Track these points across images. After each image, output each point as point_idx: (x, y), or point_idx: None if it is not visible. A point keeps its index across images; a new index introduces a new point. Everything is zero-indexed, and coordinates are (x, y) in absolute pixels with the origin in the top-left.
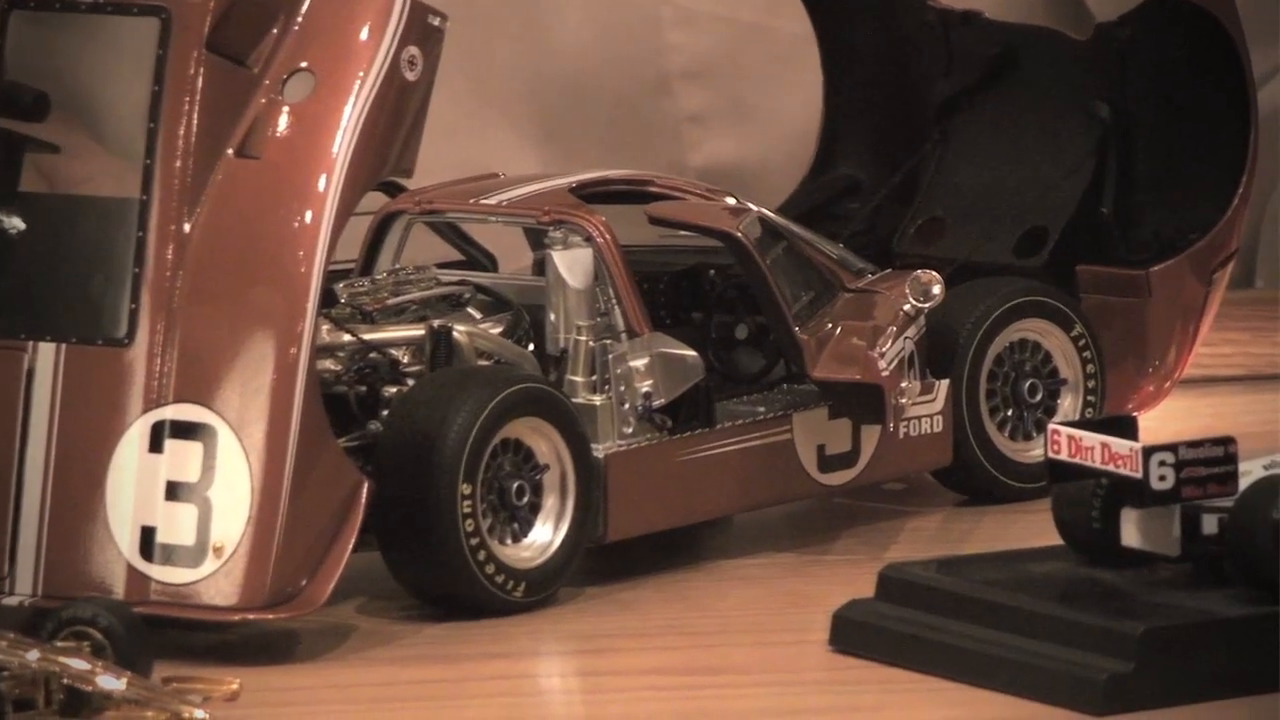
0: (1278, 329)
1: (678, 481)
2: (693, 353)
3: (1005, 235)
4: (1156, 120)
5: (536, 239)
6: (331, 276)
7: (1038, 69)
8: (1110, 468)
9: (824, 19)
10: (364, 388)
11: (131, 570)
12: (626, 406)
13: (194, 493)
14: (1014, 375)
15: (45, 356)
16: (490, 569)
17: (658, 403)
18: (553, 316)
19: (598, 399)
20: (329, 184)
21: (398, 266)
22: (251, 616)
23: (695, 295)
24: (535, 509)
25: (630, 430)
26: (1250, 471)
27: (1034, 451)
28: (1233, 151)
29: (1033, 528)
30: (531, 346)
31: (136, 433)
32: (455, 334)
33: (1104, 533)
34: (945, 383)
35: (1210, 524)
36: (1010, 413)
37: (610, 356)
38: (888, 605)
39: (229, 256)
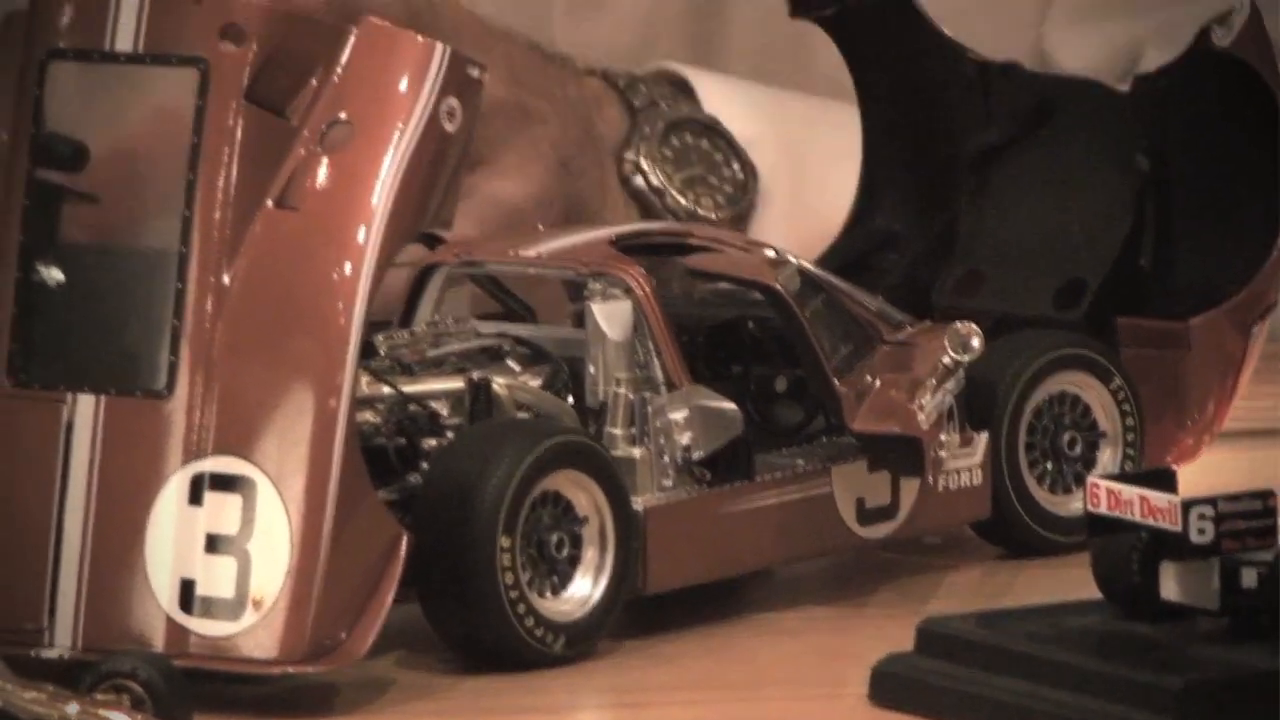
0: None
1: (717, 534)
2: (732, 405)
3: (1044, 287)
4: (1195, 171)
5: (576, 291)
6: (371, 328)
7: (1076, 120)
8: (1149, 521)
9: (862, 71)
10: (403, 440)
11: (171, 623)
12: (666, 459)
13: (233, 545)
14: (1053, 428)
15: (85, 408)
16: (530, 622)
17: (697, 455)
18: (592, 369)
19: (637, 452)
20: (368, 235)
21: (437, 318)
22: (291, 669)
23: (734, 348)
24: (574, 562)
25: (669, 483)
26: None
27: (1073, 504)
28: (1272, 203)
29: (1072, 581)
30: (571, 399)
31: (176, 485)
32: (494, 387)
33: (1143, 586)
34: (984, 435)
35: (1250, 577)
36: (1049, 466)
37: (649, 409)
38: (927, 659)
39: (268, 308)
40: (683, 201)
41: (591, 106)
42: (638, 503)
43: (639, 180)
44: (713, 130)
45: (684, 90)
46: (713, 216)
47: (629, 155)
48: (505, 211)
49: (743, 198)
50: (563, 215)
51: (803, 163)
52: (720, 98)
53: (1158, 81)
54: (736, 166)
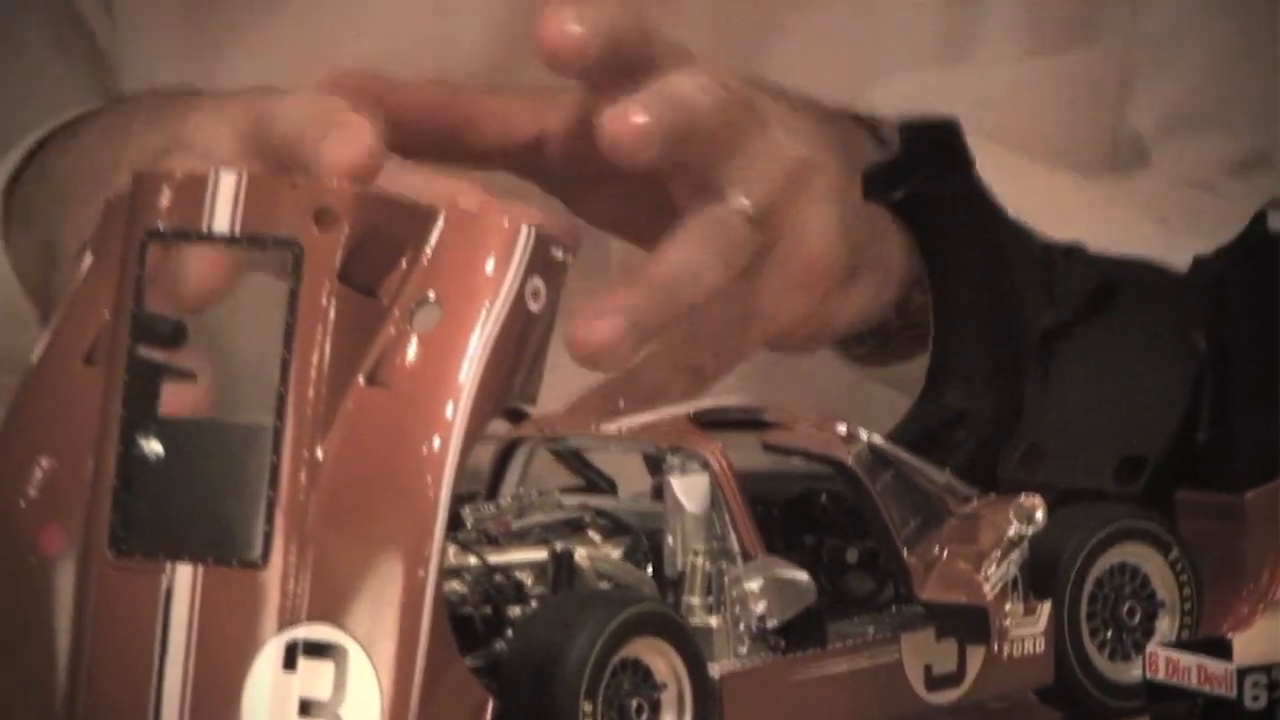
0: None
1: (791, 700)
2: (805, 575)
3: (1105, 462)
4: (1251, 351)
5: (655, 465)
6: (458, 500)
7: (1137, 301)
8: (1205, 688)
9: (931, 254)
10: (489, 608)
11: None
12: (741, 627)
13: (326, 710)
14: (1113, 598)
15: (183, 577)
16: None
17: (771, 623)
18: (670, 540)
19: (714, 620)
20: (455, 412)
21: (521, 491)
22: None
23: (807, 519)
24: None
25: (745, 650)
26: None
27: (1133, 671)
28: None
29: None
30: (650, 569)
31: (271, 651)
32: (577, 558)
33: None
34: (1047, 604)
35: None
36: (1110, 634)
37: (726, 579)
38: None
39: (360, 481)
40: None
41: (845, 146)
42: (715, 669)
43: None
44: None
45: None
46: None
47: None
48: (817, 268)
49: None
50: (859, 250)
51: None
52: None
53: (1214, 264)
54: None
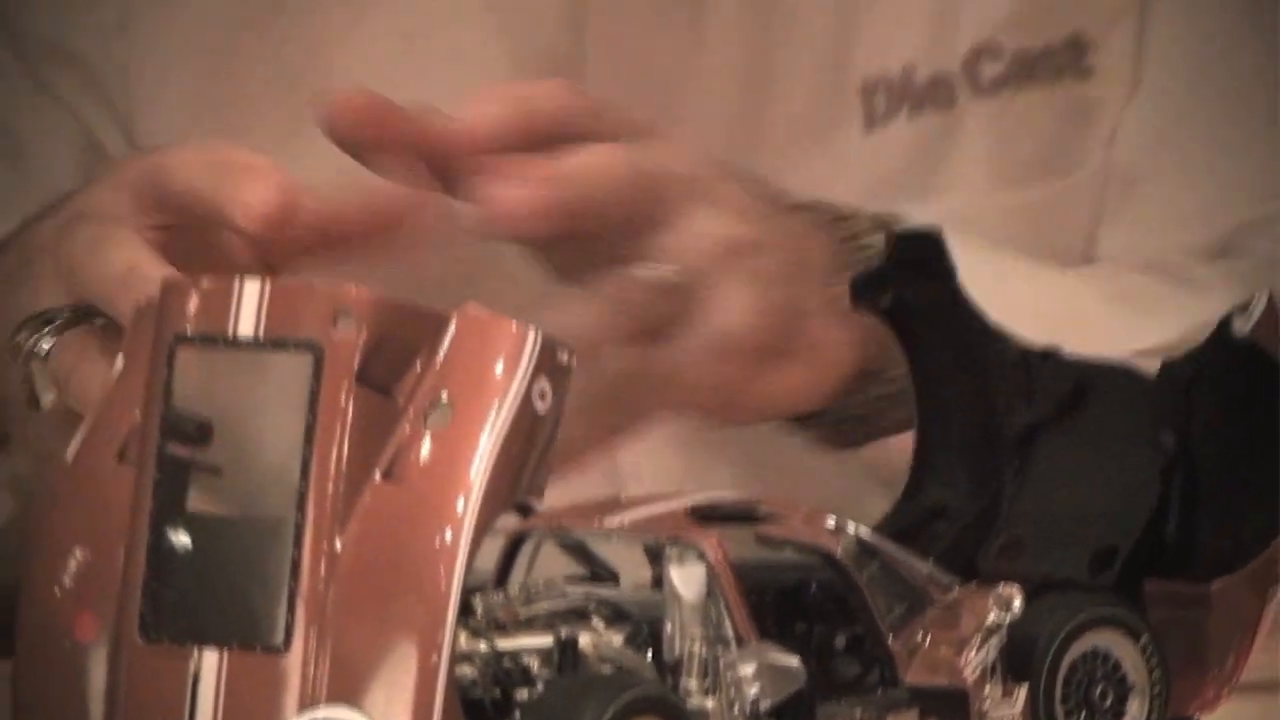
0: None
1: None
2: (796, 660)
3: (1079, 553)
4: (1217, 448)
5: (655, 556)
6: (469, 589)
7: (1109, 401)
8: None
9: (915, 358)
10: (498, 691)
11: None
12: (736, 709)
13: None
14: (1087, 681)
15: (209, 662)
16: None
17: (764, 705)
18: (669, 627)
19: (710, 702)
20: (467, 506)
21: (529, 580)
22: None
23: (798, 607)
24: None
25: None
26: None
27: None
28: None
29: None
30: (650, 654)
31: None
32: (581, 643)
33: None
34: (1024, 687)
35: None
36: (1083, 715)
37: (721, 663)
38: None
39: (376, 572)
40: None
41: (801, 237)
42: None
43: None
44: None
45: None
46: None
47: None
48: (729, 343)
49: None
50: (782, 333)
51: None
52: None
53: (1183, 366)
54: None
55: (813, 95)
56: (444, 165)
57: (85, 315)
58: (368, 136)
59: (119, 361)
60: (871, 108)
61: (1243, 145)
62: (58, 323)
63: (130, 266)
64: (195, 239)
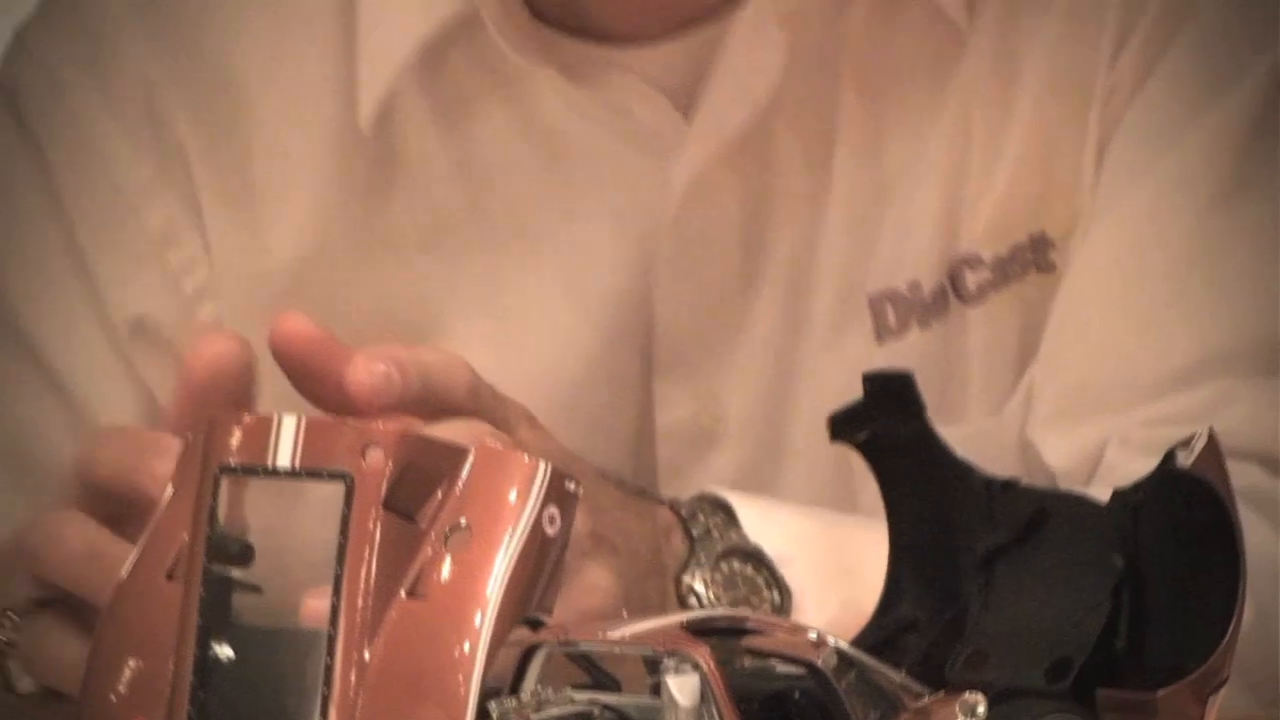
0: None
1: None
2: None
3: (1038, 664)
4: (1164, 568)
5: (653, 666)
6: (485, 695)
7: (1065, 526)
8: None
9: (889, 486)
10: None
11: None
12: None
13: None
14: None
15: None
16: None
17: None
18: None
19: None
20: (483, 621)
21: (539, 688)
22: None
23: (784, 712)
24: None
25: None
26: None
27: None
28: (1226, 595)
29: None
30: None
31: None
32: None
33: None
34: None
35: None
36: None
37: None
38: None
39: (401, 680)
40: None
41: (660, 537)
42: None
43: (693, 600)
44: (757, 558)
45: (724, 506)
46: None
47: (686, 578)
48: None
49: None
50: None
51: (832, 573)
52: (758, 519)
53: (1132, 494)
54: (775, 591)
55: (828, 309)
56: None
57: (46, 602)
58: (296, 363)
59: (168, 490)
60: (882, 319)
61: (1178, 304)
62: (17, 617)
63: (89, 545)
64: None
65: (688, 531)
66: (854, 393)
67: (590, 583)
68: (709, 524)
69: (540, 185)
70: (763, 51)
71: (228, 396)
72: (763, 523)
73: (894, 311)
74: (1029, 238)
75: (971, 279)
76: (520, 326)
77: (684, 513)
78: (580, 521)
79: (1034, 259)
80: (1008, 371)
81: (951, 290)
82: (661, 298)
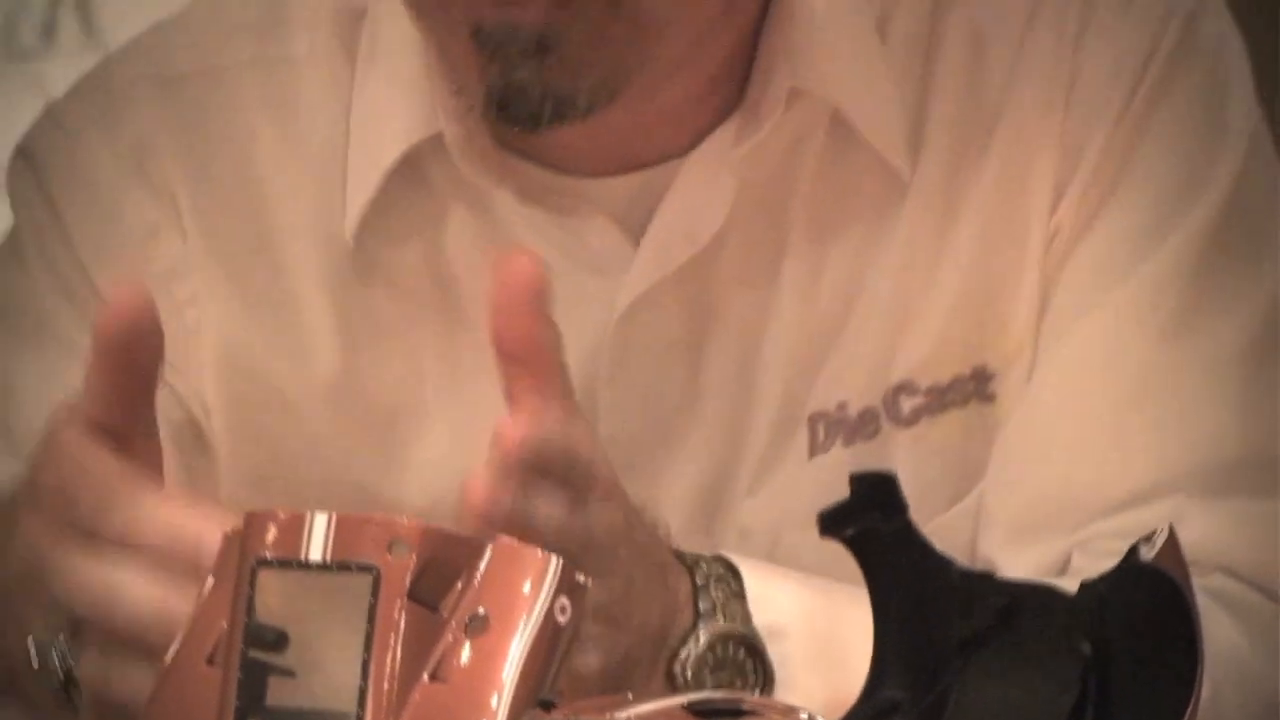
0: None
1: None
2: None
3: None
4: (1128, 654)
5: None
6: None
7: (1036, 615)
8: None
9: (874, 578)
10: None
11: None
12: None
13: None
14: None
15: None
16: None
17: None
18: None
19: None
20: (500, 702)
21: None
22: None
23: None
24: None
25: None
26: None
27: None
28: (1185, 680)
29: None
30: None
31: None
32: None
33: None
34: None
35: None
36: None
37: None
38: None
39: None
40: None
41: (674, 609)
42: None
43: (677, 670)
44: (750, 646)
45: (735, 573)
46: None
47: (682, 652)
48: (578, 684)
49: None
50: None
51: (823, 651)
52: (762, 588)
53: (1098, 586)
54: (760, 678)
55: (768, 426)
56: None
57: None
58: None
59: (209, 581)
60: (815, 437)
61: (1130, 432)
62: (66, 646)
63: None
64: None
65: (697, 606)
66: (790, 504)
67: (575, 670)
68: (716, 597)
69: None
70: (711, 193)
71: (137, 358)
72: (766, 591)
73: (824, 429)
74: (970, 369)
75: (907, 404)
76: (480, 419)
77: (699, 581)
78: (596, 599)
79: (975, 389)
80: (942, 488)
81: (885, 413)
82: (605, 408)
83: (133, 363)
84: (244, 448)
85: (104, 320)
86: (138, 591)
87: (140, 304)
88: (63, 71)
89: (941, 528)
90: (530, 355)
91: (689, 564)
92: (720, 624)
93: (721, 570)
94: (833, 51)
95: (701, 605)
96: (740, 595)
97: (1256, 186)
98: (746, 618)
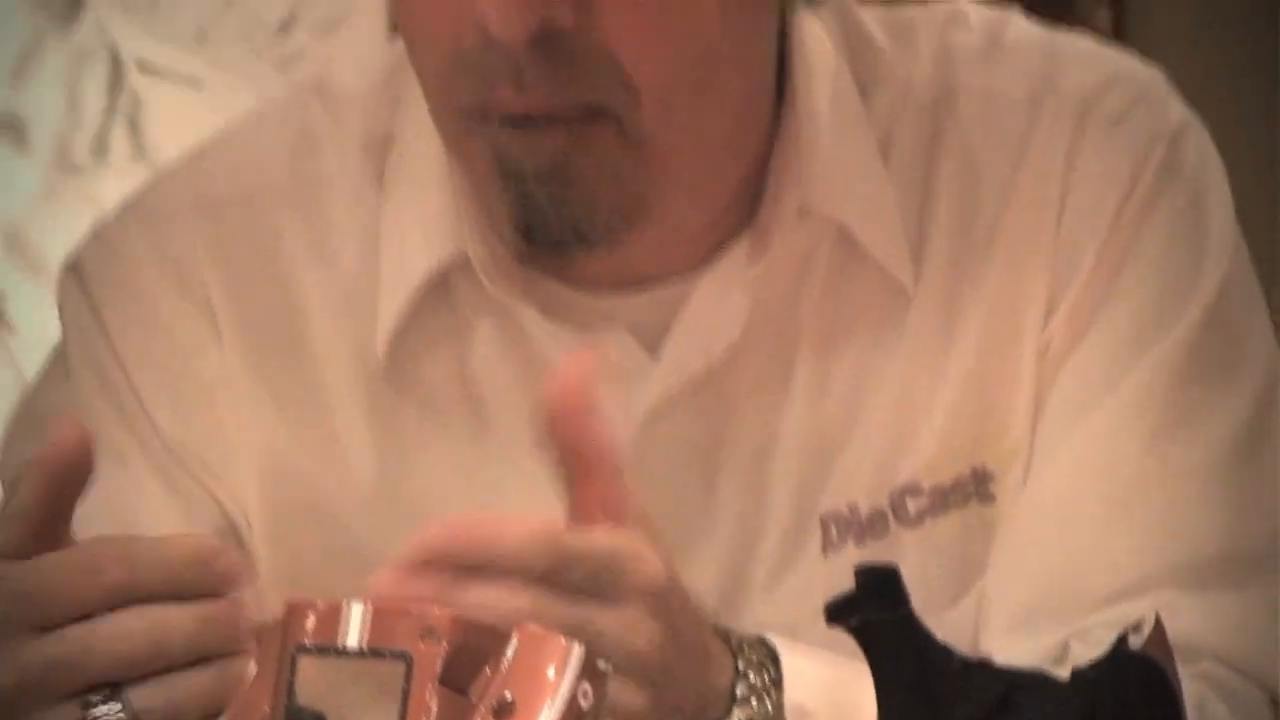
0: None
1: None
2: None
3: None
4: None
5: None
6: None
7: (1032, 700)
8: None
9: (878, 665)
10: None
11: None
12: None
13: None
14: None
15: None
16: None
17: None
18: None
19: None
20: None
21: None
22: None
23: None
24: None
25: None
26: None
27: None
28: None
29: None
30: None
31: None
32: None
33: None
34: None
35: None
36: None
37: None
38: None
39: None
40: None
41: (713, 693)
42: None
43: None
44: None
45: (774, 660)
46: None
47: None
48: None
49: None
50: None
51: None
52: (798, 673)
53: (1090, 672)
54: None
55: (782, 525)
56: None
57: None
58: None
59: (251, 667)
60: (828, 537)
61: (1122, 531)
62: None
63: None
64: None
65: (734, 692)
66: (805, 601)
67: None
68: (753, 685)
69: (522, 399)
70: (726, 309)
71: (66, 492)
72: (800, 674)
73: (837, 529)
74: (971, 470)
75: (912, 505)
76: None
77: (740, 666)
78: (625, 697)
79: (975, 490)
80: (946, 585)
81: (893, 515)
82: None
83: (61, 495)
84: (283, 553)
85: (45, 453)
86: (176, 614)
87: (80, 442)
88: (114, 186)
89: (946, 623)
90: (596, 457)
91: (734, 648)
92: (754, 712)
93: (762, 656)
94: (838, 172)
95: (738, 690)
96: (778, 683)
97: (1236, 298)
98: (779, 706)
